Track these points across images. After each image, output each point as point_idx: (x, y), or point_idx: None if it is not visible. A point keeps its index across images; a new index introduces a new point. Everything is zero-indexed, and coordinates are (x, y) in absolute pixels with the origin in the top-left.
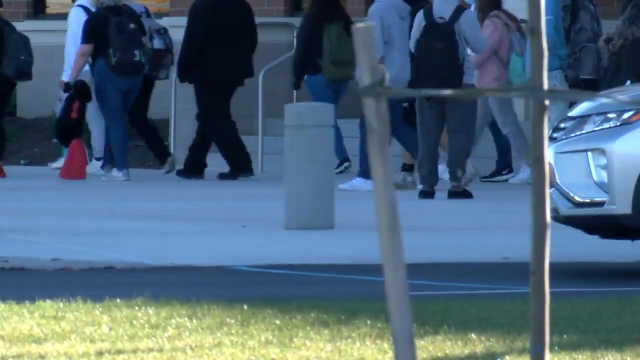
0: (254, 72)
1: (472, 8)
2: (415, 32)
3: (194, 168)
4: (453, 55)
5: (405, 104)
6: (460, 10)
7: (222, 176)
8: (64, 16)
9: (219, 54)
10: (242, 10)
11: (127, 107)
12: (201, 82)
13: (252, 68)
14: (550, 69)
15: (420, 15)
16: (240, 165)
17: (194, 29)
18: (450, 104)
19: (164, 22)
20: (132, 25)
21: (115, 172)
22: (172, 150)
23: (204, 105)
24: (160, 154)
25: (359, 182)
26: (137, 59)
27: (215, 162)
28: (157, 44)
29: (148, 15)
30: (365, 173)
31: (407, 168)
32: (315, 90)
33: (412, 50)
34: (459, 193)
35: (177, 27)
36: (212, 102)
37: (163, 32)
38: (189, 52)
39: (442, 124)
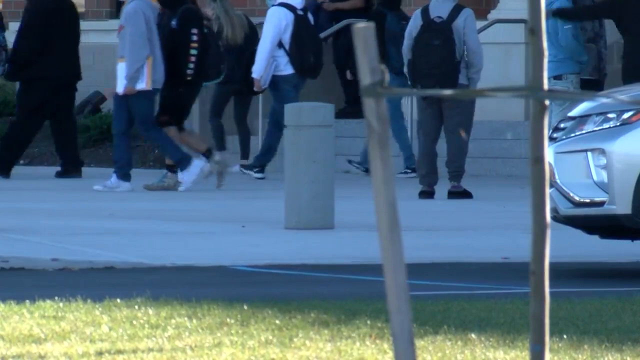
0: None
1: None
2: (412, 32)
3: (4, 164)
4: (450, 54)
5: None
6: (458, 9)
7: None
8: None
9: (53, 53)
10: (71, 9)
11: None
12: (36, 81)
13: (80, 66)
14: (569, 72)
15: (417, 14)
16: (3, 165)
17: (28, 28)
18: (447, 103)
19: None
20: None
21: None
22: None
23: (27, 102)
24: None
25: (114, 182)
26: None
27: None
28: None
29: None
30: (120, 173)
31: (171, 169)
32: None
33: (407, 50)
34: (459, 193)
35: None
36: (36, 101)
37: None
38: (24, 52)
39: (440, 123)
